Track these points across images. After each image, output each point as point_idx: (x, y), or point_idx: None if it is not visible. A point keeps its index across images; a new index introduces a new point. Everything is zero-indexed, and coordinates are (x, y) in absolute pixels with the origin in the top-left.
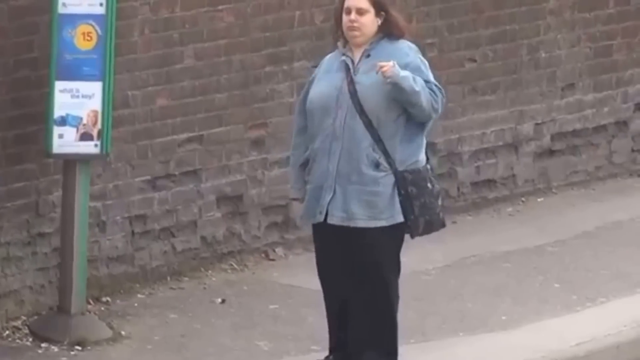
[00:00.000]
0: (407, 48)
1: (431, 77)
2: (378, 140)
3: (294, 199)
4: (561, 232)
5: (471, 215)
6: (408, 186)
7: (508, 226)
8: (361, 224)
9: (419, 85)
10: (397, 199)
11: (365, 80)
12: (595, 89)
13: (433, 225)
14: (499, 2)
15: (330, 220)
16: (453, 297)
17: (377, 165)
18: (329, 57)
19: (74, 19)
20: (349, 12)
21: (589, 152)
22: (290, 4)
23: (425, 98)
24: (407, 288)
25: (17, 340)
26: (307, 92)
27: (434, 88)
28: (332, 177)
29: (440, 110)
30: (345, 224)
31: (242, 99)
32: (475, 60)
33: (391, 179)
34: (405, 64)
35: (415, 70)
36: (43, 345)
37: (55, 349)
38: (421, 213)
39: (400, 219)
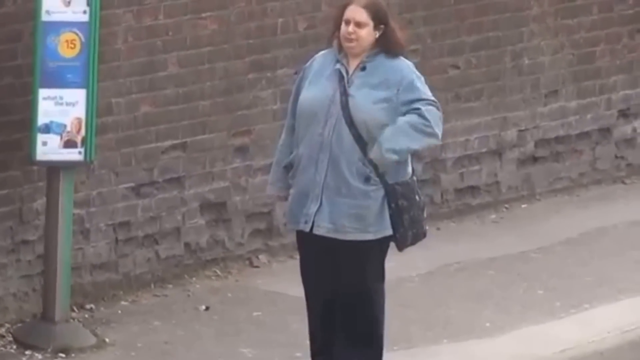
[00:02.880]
0: (402, 65)
1: (426, 94)
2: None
3: (272, 195)
4: (545, 239)
5: (455, 221)
6: (399, 199)
7: (492, 233)
8: (349, 236)
9: (410, 138)
10: (386, 212)
11: (358, 94)
12: (579, 95)
13: (418, 237)
14: (482, 9)
15: (316, 231)
16: (437, 304)
17: (367, 179)
18: (322, 56)
19: (58, 26)
20: (347, 22)
21: (573, 159)
22: (273, 11)
23: (421, 139)
24: (391, 295)
25: (1, 348)
26: (297, 92)
27: (423, 110)
28: (319, 187)
29: (439, 130)
30: (333, 235)
31: (225, 106)
32: (458, 67)
33: (381, 192)
34: (399, 81)
35: (409, 86)
36: (27, 352)
37: (39, 356)
38: (410, 226)
39: (388, 232)
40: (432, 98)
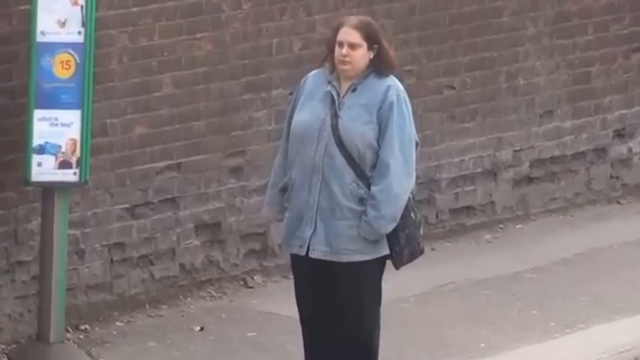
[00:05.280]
0: (389, 84)
1: (392, 129)
2: (361, 175)
3: (269, 216)
4: (540, 259)
5: (449, 242)
6: None
7: (486, 253)
8: (346, 258)
9: (393, 209)
10: None
11: (348, 115)
12: (574, 115)
13: (415, 254)
14: (477, 29)
15: (312, 255)
16: (432, 325)
17: (361, 200)
18: (314, 76)
19: (53, 47)
20: (341, 45)
21: (568, 179)
22: (268, 31)
23: (401, 200)
24: (385, 316)
25: None
26: (291, 114)
27: (392, 160)
28: (313, 210)
29: (412, 174)
30: (329, 258)
31: (220, 126)
32: (453, 87)
33: None
34: (381, 101)
35: (385, 111)
36: None
37: None
38: (406, 244)
39: (385, 251)
40: (408, 135)
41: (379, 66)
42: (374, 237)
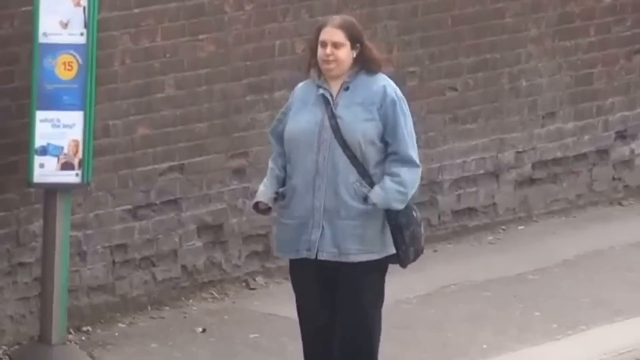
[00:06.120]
0: (384, 83)
1: (401, 125)
2: (365, 174)
3: (258, 203)
4: (542, 260)
5: (452, 243)
6: (399, 217)
7: (489, 254)
8: (354, 258)
9: (401, 194)
10: (388, 231)
11: (346, 114)
12: (576, 117)
13: (419, 253)
14: (480, 31)
15: (320, 257)
16: (434, 326)
17: (366, 199)
18: (302, 87)
19: (55, 48)
20: (324, 45)
21: (570, 181)
22: (270, 33)
23: (417, 184)
24: (387, 317)
25: None
26: (281, 123)
27: (409, 150)
28: (319, 213)
29: (416, 181)
30: (338, 259)
31: (222, 128)
32: (456, 89)
33: (381, 211)
34: (381, 98)
35: (388, 109)
36: None
37: None
38: (411, 243)
39: (392, 250)
40: (406, 139)
41: (364, 64)
42: (381, 204)
